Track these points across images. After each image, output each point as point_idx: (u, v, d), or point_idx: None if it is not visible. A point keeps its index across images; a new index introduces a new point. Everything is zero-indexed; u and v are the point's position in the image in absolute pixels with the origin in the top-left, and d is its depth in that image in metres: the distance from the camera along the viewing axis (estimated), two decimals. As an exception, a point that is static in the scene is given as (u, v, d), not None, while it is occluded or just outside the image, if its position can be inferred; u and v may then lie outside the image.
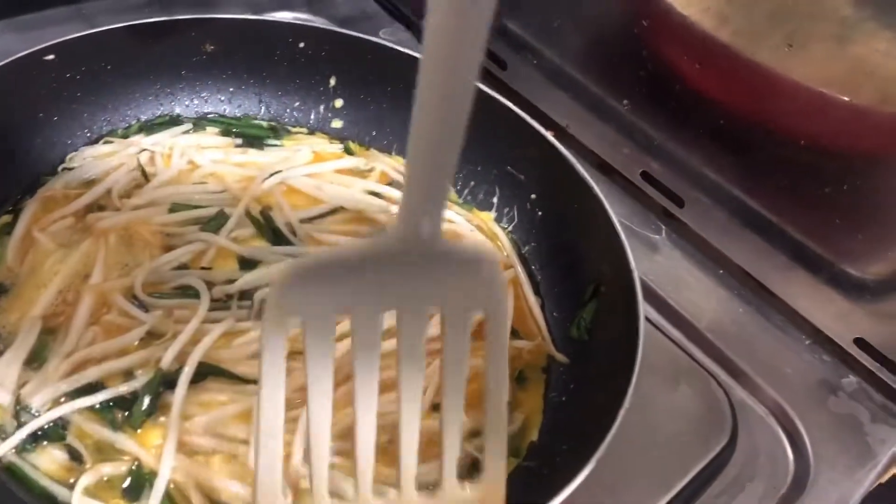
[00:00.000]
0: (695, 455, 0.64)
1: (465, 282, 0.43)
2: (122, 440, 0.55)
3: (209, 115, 0.80)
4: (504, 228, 0.75)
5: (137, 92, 0.77)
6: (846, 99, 0.66)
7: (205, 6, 0.96)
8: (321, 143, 0.80)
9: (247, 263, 0.67)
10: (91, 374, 0.57)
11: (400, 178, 0.77)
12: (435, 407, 0.51)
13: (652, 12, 0.76)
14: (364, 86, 0.80)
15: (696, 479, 0.62)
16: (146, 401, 0.57)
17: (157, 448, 0.55)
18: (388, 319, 0.41)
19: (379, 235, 0.57)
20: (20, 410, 0.55)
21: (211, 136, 0.78)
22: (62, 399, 0.56)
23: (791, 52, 0.67)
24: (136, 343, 0.60)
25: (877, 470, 0.66)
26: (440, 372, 0.44)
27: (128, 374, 0.58)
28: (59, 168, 0.72)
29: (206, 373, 0.59)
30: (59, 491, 0.53)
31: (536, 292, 0.71)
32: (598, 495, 0.56)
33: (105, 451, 0.55)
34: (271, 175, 0.74)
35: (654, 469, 0.62)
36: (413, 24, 1.00)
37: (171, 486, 0.54)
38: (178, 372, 0.58)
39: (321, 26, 0.82)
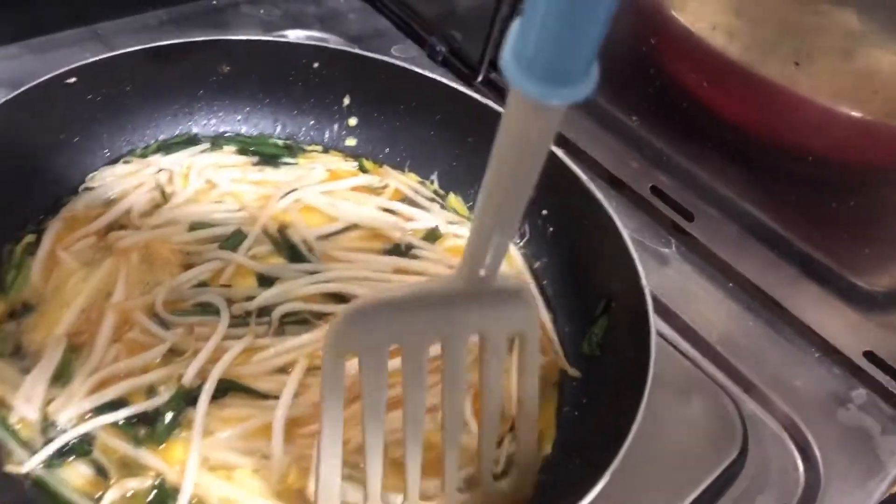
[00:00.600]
0: (706, 467, 0.64)
1: (506, 309, 0.48)
2: (146, 456, 0.56)
3: (226, 135, 0.81)
4: (515, 244, 0.76)
5: (156, 112, 0.78)
6: (854, 113, 0.66)
7: (218, 25, 0.98)
8: (336, 161, 0.81)
9: (265, 280, 0.68)
10: (115, 391, 0.59)
11: (412, 194, 0.79)
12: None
13: (660, 30, 0.77)
14: (377, 104, 0.81)
15: (707, 492, 0.63)
16: (168, 417, 0.58)
17: (180, 463, 0.56)
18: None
19: (440, 279, 0.65)
20: (47, 426, 0.57)
21: (228, 154, 0.79)
22: (87, 415, 0.58)
23: (798, 67, 0.68)
24: (158, 360, 0.61)
25: (887, 481, 0.66)
26: (479, 387, 0.50)
27: (150, 391, 0.59)
28: (80, 188, 0.73)
29: (227, 388, 0.60)
30: (85, 505, 0.54)
31: (548, 307, 0.71)
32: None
33: (130, 467, 0.56)
34: (287, 193, 0.75)
35: (665, 481, 0.63)
36: (424, 41, 1.02)
37: (195, 500, 0.55)
38: (199, 388, 0.59)
39: (335, 47, 0.82)
